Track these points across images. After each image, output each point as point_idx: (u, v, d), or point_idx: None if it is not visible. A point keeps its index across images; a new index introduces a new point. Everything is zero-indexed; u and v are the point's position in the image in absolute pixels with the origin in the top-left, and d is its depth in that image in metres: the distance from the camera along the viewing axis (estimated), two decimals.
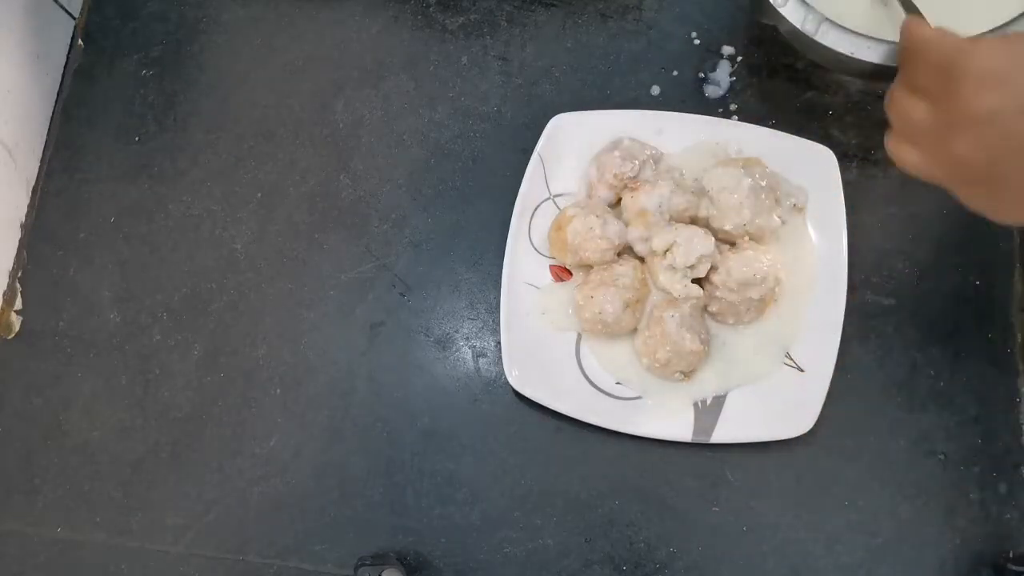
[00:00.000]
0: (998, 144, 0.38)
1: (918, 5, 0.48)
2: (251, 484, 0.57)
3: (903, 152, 0.43)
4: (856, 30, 0.49)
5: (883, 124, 0.60)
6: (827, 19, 0.49)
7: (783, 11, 0.50)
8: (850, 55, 0.49)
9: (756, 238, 0.55)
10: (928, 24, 0.43)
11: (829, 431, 0.54)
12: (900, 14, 0.48)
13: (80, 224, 0.63)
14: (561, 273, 0.57)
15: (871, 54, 0.48)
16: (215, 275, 0.61)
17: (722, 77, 0.62)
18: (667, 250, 0.53)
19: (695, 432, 0.54)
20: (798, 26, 0.49)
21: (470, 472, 0.56)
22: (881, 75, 0.48)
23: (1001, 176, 0.39)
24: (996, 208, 0.41)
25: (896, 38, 0.45)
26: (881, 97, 0.60)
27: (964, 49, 0.39)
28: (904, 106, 0.42)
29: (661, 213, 0.55)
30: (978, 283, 0.57)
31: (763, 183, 0.54)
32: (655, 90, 0.62)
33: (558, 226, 0.56)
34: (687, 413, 0.54)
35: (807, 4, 0.50)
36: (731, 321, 0.55)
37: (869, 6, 0.52)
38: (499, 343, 0.56)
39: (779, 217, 0.56)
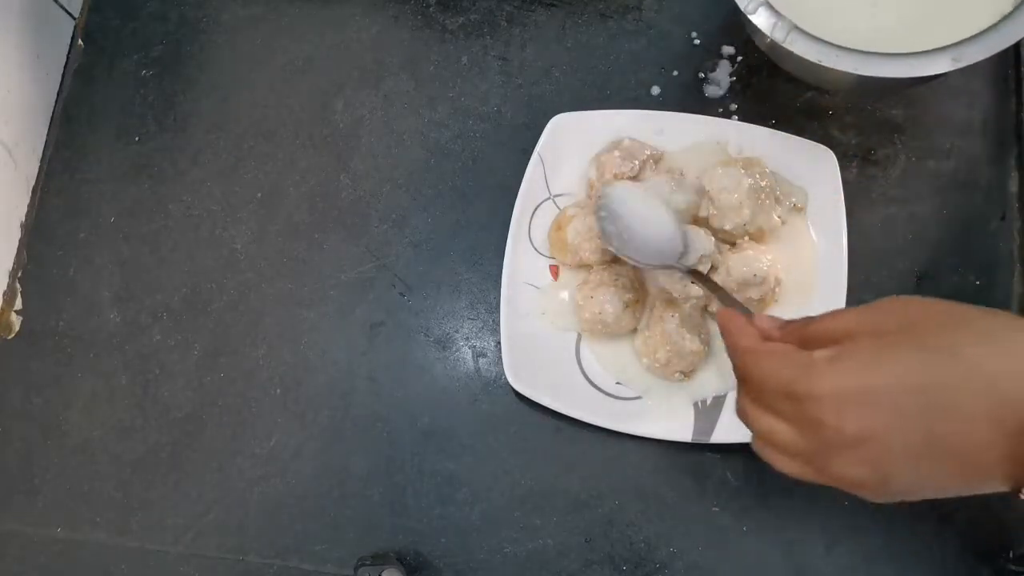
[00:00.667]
0: (885, 458, 0.33)
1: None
2: (251, 484, 0.57)
3: (777, 460, 0.37)
4: (837, 43, 0.47)
5: (883, 124, 0.60)
6: (796, 27, 0.47)
7: (753, 19, 0.49)
8: (817, 63, 0.47)
9: (756, 238, 0.55)
10: (749, 328, 0.39)
11: None
12: (891, 27, 0.48)
13: (80, 224, 0.63)
14: (554, 272, 0.57)
15: (839, 62, 0.46)
16: (215, 275, 0.61)
17: (722, 77, 0.61)
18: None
19: (695, 432, 0.54)
20: (767, 33, 0.48)
21: (470, 472, 0.56)
22: (864, 90, 0.47)
23: (898, 481, 0.34)
24: (899, 498, 0.36)
25: (883, 48, 0.44)
26: (882, 99, 0.61)
27: (806, 369, 0.35)
28: (761, 423, 0.37)
29: None
30: (978, 283, 0.57)
31: (763, 183, 0.54)
32: (655, 90, 0.62)
33: (558, 226, 0.56)
34: (687, 413, 0.54)
35: (776, 12, 0.48)
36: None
37: (857, 17, 0.50)
38: (499, 343, 0.56)
39: (779, 217, 0.56)
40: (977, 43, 0.45)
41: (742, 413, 0.39)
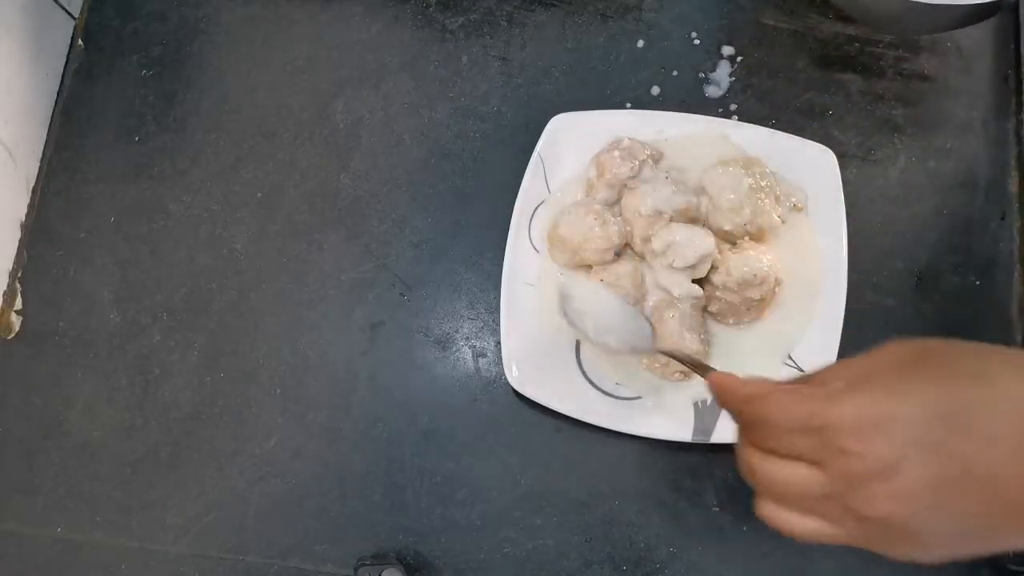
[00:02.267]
0: (912, 491, 0.31)
1: None
2: (251, 484, 0.57)
3: (790, 521, 0.35)
4: None
5: (883, 124, 0.60)
6: None
7: None
8: None
9: (756, 238, 0.55)
10: (746, 379, 0.37)
11: None
12: None
13: (80, 224, 0.63)
14: None
15: None
16: (215, 275, 0.61)
17: (722, 77, 0.62)
18: (667, 250, 0.53)
19: (695, 432, 0.54)
20: None
21: (470, 472, 0.56)
22: (915, 23, 0.44)
23: (924, 522, 0.32)
24: (929, 551, 0.33)
25: None
26: (882, 97, 0.61)
27: (826, 399, 0.32)
28: (771, 472, 0.34)
29: (661, 213, 0.55)
30: (978, 283, 0.57)
31: (763, 183, 0.54)
32: (655, 90, 0.62)
33: (557, 226, 0.56)
34: (687, 413, 0.54)
35: None
36: (731, 321, 0.55)
37: None
38: (499, 343, 0.56)
39: (779, 217, 0.56)
40: None
41: (747, 466, 0.36)
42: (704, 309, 0.55)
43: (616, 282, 0.54)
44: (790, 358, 0.55)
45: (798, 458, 0.33)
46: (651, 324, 0.52)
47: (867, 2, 0.47)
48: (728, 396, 0.37)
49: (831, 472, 0.32)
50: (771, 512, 0.35)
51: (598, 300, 0.52)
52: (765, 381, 0.37)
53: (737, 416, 0.37)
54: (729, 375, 0.38)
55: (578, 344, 0.56)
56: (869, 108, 0.60)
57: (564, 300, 0.51)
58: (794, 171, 0.57)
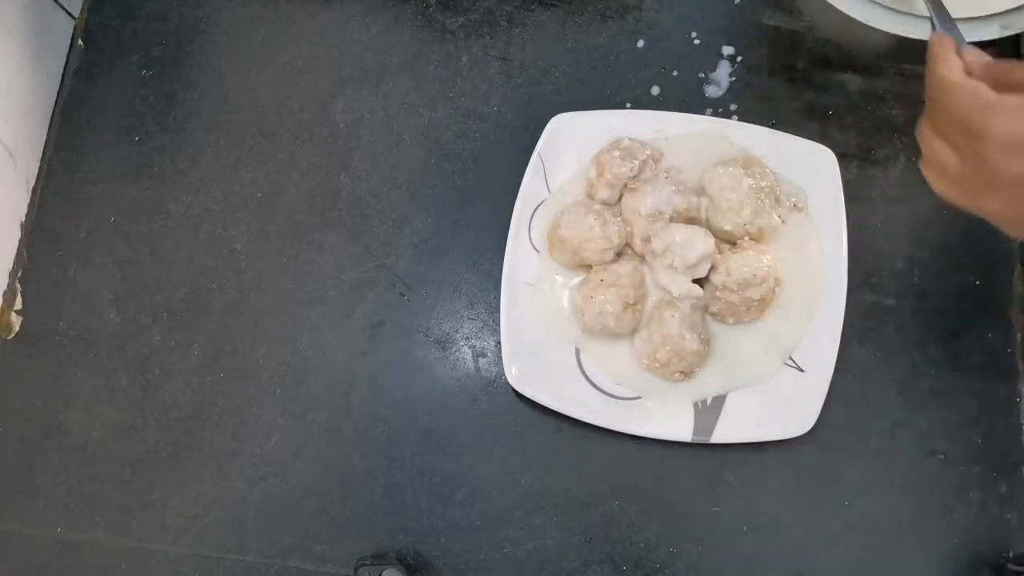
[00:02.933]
0: None
1: None
2: (251, 484, 0.57)
3: (938, 183, 0.42)
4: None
5: (883, 124, 0.60)
6: None
7: None
8: (860, 21, 0.47)
9: (756, 238, 0.55)
10: (953, 59, 0.40)
11: (829, 431, 0.54)
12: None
13: (80, 224, 0.63)
14: None
15: (881, 21, 0.47)
16: (215, 275, 0.61)
17: (722, 77, 0.62)
18: (667, 250, 0.53)
19: (695, 432, 0.54)
20: None
21: (470, 472, 0.56)
22: (896, 55, 0.47)
23: None
24: None
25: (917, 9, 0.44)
26: (882, 97, 0.61)
27: (986, 109, 0.37)
28: (933, 147, 0.41)
29: (661, 213, 0.55)
30: (978, 283, 0.57)
31: (763, 183, 0.54)
32: (655, 90, 0.62)
33: (558, 226, 0.56)
34: (687, 413, 0.54)
35: None
36: (731, 321, 0.55)
37: None
38: (499, 343, 0.56)
39: (779, 217, 0.56)
40: None
41: (921, 135, 0.42)
42: (704, 309, 0.55)
43: (616, 282, 0.54)
44: (790, 357, 0.55)
45: (952, 143, 0.39)
46: None
47: (860, 36, 0.48)
48: (932, 65, 0.41)
49: (969, 169, 0.39)
50: (925, 170, 0.42)
51: None
52: (978, 61, 0.40)
53: (927, 86, 0.41)
54: (946, 42, 0.41)
55: (578, 344, 0.56)
56: (869, 108, 0.60)
57: None
58: (794, 171, 0.57)
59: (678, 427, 0.54)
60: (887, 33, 0.48)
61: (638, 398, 0.55)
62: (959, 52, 0.41)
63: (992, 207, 0.39)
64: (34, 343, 0.61)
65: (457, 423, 0.57)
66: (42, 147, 0.64)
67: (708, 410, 0.54)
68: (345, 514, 0.56)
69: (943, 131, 0.40)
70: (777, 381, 0.54)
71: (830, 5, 0.48)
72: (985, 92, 0.38)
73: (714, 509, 0.55)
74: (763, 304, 0.55)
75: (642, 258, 0.56)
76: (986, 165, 0.37)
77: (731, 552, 0.54)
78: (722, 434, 0.53)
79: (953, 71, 0.40)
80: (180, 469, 0.58)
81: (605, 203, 0.57)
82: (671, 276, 0.54)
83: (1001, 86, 0.38)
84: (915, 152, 0.60)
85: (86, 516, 0.57)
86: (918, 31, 0.48)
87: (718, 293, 0.54)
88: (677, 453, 0.55)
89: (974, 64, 0.40)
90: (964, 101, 0.38)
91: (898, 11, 0.48)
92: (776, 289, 0.55)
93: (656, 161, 0.57)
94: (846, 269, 0.55)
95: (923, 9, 0.47)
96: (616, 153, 0.56)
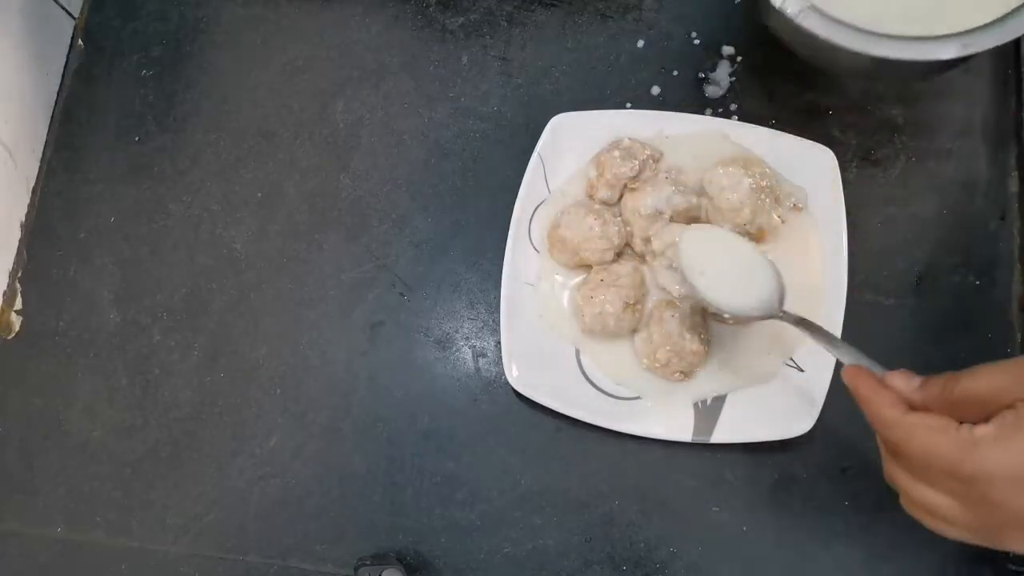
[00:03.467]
0: None
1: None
2: (251, 484, 0.57)
3: (934, 525, 0.36)
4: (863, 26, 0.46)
5: (883, 124, 0.60)
6: (811, 5, 0.46)
7: None
8: (827, 41, 0.45)
9: (756, 238, 0.55)
10: (885, 394, 0.37)
11: (829, 431, 0.54)
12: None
13: (80, 224, 0.63)
14: None
15: (851, 41, 0.45)
16: (215, 275, 0.61)
17: (722, 77, 0.61)
18: (667, 250, 0.53)
19: (695, 432, 0.54)
20: (780, 7, 0.46)
21: (470, 472, 0.56)
22: (874, 78, 0.47)
23: None
24: None
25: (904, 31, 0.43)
26: (882, 97, 0.61)
27: (967, 448, 0.33)
28: (920, 495, 0.36)
29: (661, 213, 0.55)
30: (978, 283, 0.57)
31: (763, 183, 0.54)
32: (655, 90, 0.62)
33: (557, 226, 0.56)
34: (687, 413, 0.54)
35: None
36: (731, 321, 0.55)
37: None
38: (499, 343, 0.56)
39: (779, 217, 0.56)
40: (988, 32, 0.45)
41: (893, 480, 0.37)
42: (704, 309, 0.55)
43: (616, 282, 0.54)
44: (790, 358, 0.55)
45: (940, 488, 0.34)
46: (780, 279, 0.47)
47: (836, 56, 0.47)
48: (865, 407, 0.38)
49: (978, 514, 0.34)
50: (914, 512, 0.37)
51: (718, 248, 0.49)
52: (908, 387, 0.37)
53: (876, 430, 0.37)
54: (866, 377, 0.38)
55: (578, 344, 0.56)
56: (869, 108, 0.60)
57: (682, 249, 0.48)
58: (794, 171, 0.57)
59: (678, 427, 0.54)
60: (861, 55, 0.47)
61: (638, 398, 0.55)
62: (884, 385, 0.38)
63: (1020, 546, 0.34)
64: (34, 343, 0.61)
65: (457, 423, 0.57)
66: (42, 147, 0.64)
67: (708, 410, 0.54)
68: (345, 514, 0.56)
69: (923, 477, 0.35)
70: (777, 381, 0.54)
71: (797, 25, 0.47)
72: (954, 430, 0.34)
73: (714, 509, 0.55)
74: None
75: (642, 258, 0.56)
76: (998, 508, 0.32)
77: (731, 552, 0.54)
78: (722, 434, 0.53)
79: (896, 409, 0.36)
80: (180, 469, 0.58)
81: (605, 203, 0.57)
82: (671, 276, 0.54)
83: (952, 408, 0.35)
84: (915, 152, 0.60)
85: (86, 516, 0.57)
86: (883, 48, 0.47)
87: None
88: (677, 453, 0.55)
89: (907, 392, 0.37)
90: (936, 443, 0.34)
91: (865, 30, 0.47)
92: None
93: (656, 161, 0.57)
94: (846, 269, 0.55)
95: (893, 27, 0.45)
96: (616, 153, 0.56)
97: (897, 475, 0.37)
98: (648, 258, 0.55)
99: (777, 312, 0.48)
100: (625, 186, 0.56)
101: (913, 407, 0.36)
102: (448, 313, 0.59)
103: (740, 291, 0.49)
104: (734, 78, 0.61)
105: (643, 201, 0.55)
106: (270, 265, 0.61)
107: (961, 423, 0.34)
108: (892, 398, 0.37)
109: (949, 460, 0.33)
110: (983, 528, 0.34)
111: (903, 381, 0.37)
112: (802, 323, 0.47)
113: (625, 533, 0.55)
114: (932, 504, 0.35)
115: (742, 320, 0.50)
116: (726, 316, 0.50)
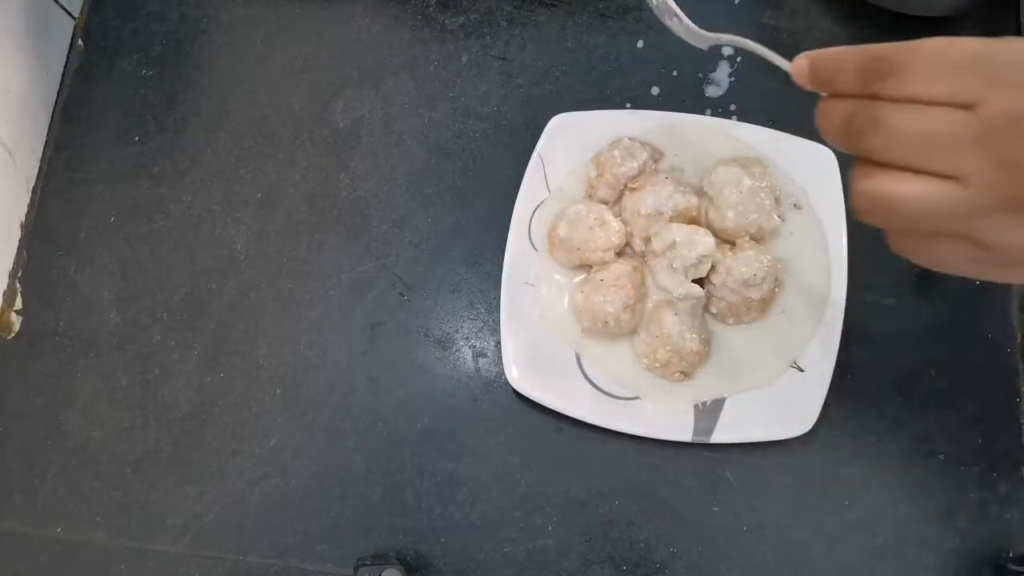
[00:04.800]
0: None
1: None
2: (251, 484, 0.57)
3: (931, 248, 0.31)
4: None
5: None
6: None
7: None
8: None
9: (756, 238, 0.55)
10: (847, 50, 0.32)
11: (829, 431, 0.54)
12: None
13: (80, 224, 0.63)
14: None
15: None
16: (215, 275, 0.61)
17: (722, 77, 0.62)
18: (667, 250, 0.53)
19: (695, 432, 0.54)
20: None
21: (470, 472, 0.56)
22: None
23: None
24: None
25: None
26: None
27: (987, 45, 0.28)
28: (909, 194, 0.30)
29: (661, 213, 0.55)
30: (978, 283, 0.57)
31: (763, 183, 0.54)
32: (655, 90, 0.62)
33: (557, 225, 0.56)
34: (687, 413, 0.54)
35: None
36: (731, 321, 0.55)
37: None
38: (499, 343, 0.56)
39: (779, 217, 0.56)
40: None
41: (870, 196, 0.31)
42: (704, 309, 0.55)
43: (616, 282, 0.54)
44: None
45: (944, 103, 0.29)
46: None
47: None
48: (834, 74, 0.32)
49: (988, 110, 0.28)
50: (910, 244, 0.31)
51: None
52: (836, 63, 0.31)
53: (844, 110, 0.32)
54: (822, 53, 0.33)
55: (578, 344, 0.56)
56: None
57: None
58: (794, 171, 0.57)
59: (678, 427, 0.54)
60: None
61: (638, 398, 0.55)
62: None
63: None
64: (34, 343, 0.61)
65: (457, 423, 0.57)
66: (42, 147, 0.64)
67: (708, 410, 0.54)
68: (345, 514, 0.56)
69: (918, 95, 0.29)
70: (777, 381, 0.54)
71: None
72: (959, 39, 0.29)
73: (714, 509, 0.55)
74: (763, 304, 0.55)
75: (642, 258, 0.56)
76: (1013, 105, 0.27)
77: (731, 552, 0.54)
78: (722, 434, 0.53)
79: (875, 46, 0.31)
80: (180, 469, 0.58)
81: (605, 203, 0.57)
82: (671, 276, 0.54)
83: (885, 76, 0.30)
84: None
85: (86, 516, 0.57)
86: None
87: (718, 293, 0.54)
88: (677, 453, 0.55)
89: (827, 70, 0.32)
90: (946, 41, 0.29)
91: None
92: (776, 289, 0.55)
93: (656, 161, 0.57)
94: (846, 269, 0.55)
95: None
96: (616, 153, 0.56)
97: (874, 182, 0.31)
98: (648, 258, 0.55)
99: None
100: (625, 186, 0.56)
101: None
102: (448, 313, 0.59)
103: None
104: (734, 78, 0.61)
105: (643, 201, 0.55)
106: (270, 265, 0.61)
107: None
108: (867, 47, 0.31)
109: (969, 49, 0.28)
110: (993, 140, 0.28)
111: (814, 57, 0.33)
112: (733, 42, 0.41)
113: (625, 533, 0.55)
114: (930, 202, 0.29)
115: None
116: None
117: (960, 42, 0.29)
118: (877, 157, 0.31)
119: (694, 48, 0.63)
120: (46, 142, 0.65)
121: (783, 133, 0.57)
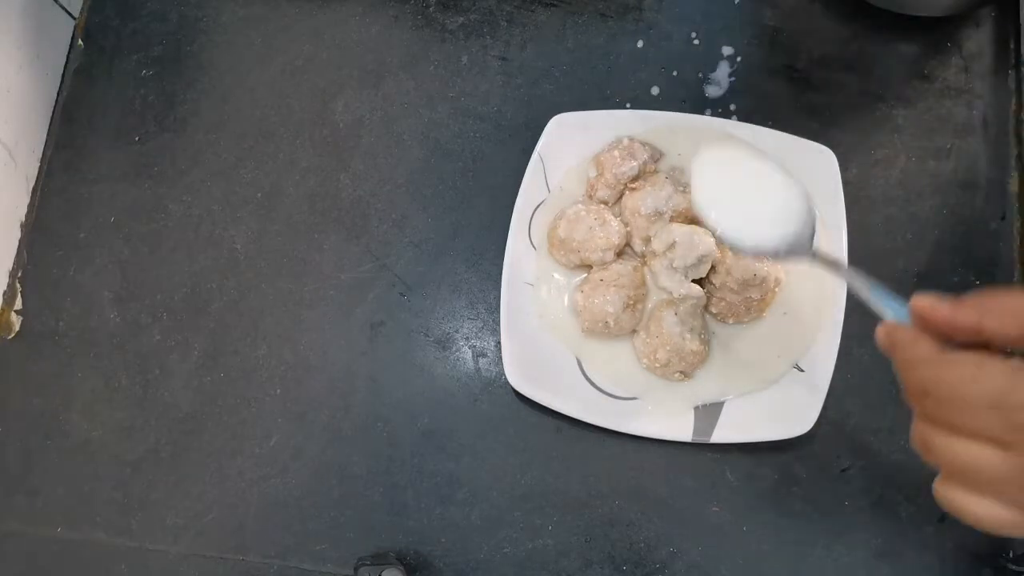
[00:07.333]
0: None
1: None
2: (251, 484, 0.57)
3: (972, 504, 0.31)
4: None
5: (883, 124, 0.60)
6: None
7: None
8: None
9: None
10: (915, 333, 0.33)
11: (829, 431, 0.54)
12: None
13: (80, 224, 0.63)
14: None
15: None
16: (215, 275, 0.61)
17: (722, 77, 0.62)
18: (667, 250, 0.53)
19: (695, 432, 0.54)
20: None
21: (470, 472, 0.56)
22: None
23: None
24: None
25: None
26: (882, 97, 0.61)
27: (1014, 380, 0.29)
28: (953, 450, 0.30)
29: (661, 213, 0.55)
30: (978, 283, 0.57)
31: None
32: (655, 90, 0.62)
33: (557, 225, 0.56)
34: (687, 413, 0.54)
35: None
36: (731, 321, 0.55)
37: None
38: (499, 343, 0.56)
39: None
40: None
41: (922, 442, 0.32)
42: (704, 309, 0.55)
43: (616, 282, 0.54)
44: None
45: (983, 438, 0.29)
46: (813, 212, 0.38)
47: None
48: (896, 352, 0.33)
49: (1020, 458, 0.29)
50: (948, 492, 0.31)
51: (737, 171, 0.40)
52: (934, 313, 0.32)
53: (904, 377, 0.33)
54: (897, 327, 0.34)
55: (578, 344, 0.56)
56: (869, 108, 0.60)
57: (699, 166, 0.40)
58: (794, 171, 0.56)
59: (678, 427, 0.54)
60: None
61: (638, 398, 0.55)
62: (914, 326, 0.34)
63: None
64: (34, 343, 0.61)
65: (457, 423, 0.57)
66: (42, 147, 0.64)
67: (708, 410, 0.54)
68: (345, 514, 0.56)
69: (955, 426, 0.30)
70: (777, 382, 0.54)
71: None
72: (998, 360, 0.29)
73: (714, 509, 0.55)
74: (763, 304, 0.55)
75: (642, 258, 0.56)
76: None
77: (731, 552, 0.54)
78: (722, 434, 0.53)
79: (929, 348, 0.32)
80: (180, 469, 0.58)
81: (605, 203, 0.57)
82: (671, 276, 0.54)
83: (979, 333, 0.31)
84: (915, 152, 0.60)
85: (86, 516, 0.57)
86: None
87: (718, 293, 0.54)
88: (677, 453, 0.55)
89: (934, 317, 0.32)
90: (972, 376, 0.29)
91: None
92: (776, 289, 0.55)
93: (656, 161, 0.57)
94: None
95: None
96: (616, 153, 0.56)
97: (926, 433, 0.32)
98: (648, 258, 0.55)
99: (807, 252, 0.40)
100: (625, 186, 0.56)
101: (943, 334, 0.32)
102: (448, 313, 0.59)
103: (760, 222, 0.40)
104: (734, 78, 0.61)
105: (643, 201, 0.55)
106: (270, 265, 0.61)
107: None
108: (926, 340, 0.33)
109: (994, 390, 0.29)
110: None
111: (929, 307, 0.33)
112: (836, 267, 0.39)
113: (625, 533, 0.55)
114: (968, 459, 0.30)
115: (763, 258, 0.42)
116: (745, 252, 0.41)
117: (989, 378, 0.29)
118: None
119: (694, 48, 0.63)
120: (46, 142, 0.65)
121: (783, 133, 0.57)
